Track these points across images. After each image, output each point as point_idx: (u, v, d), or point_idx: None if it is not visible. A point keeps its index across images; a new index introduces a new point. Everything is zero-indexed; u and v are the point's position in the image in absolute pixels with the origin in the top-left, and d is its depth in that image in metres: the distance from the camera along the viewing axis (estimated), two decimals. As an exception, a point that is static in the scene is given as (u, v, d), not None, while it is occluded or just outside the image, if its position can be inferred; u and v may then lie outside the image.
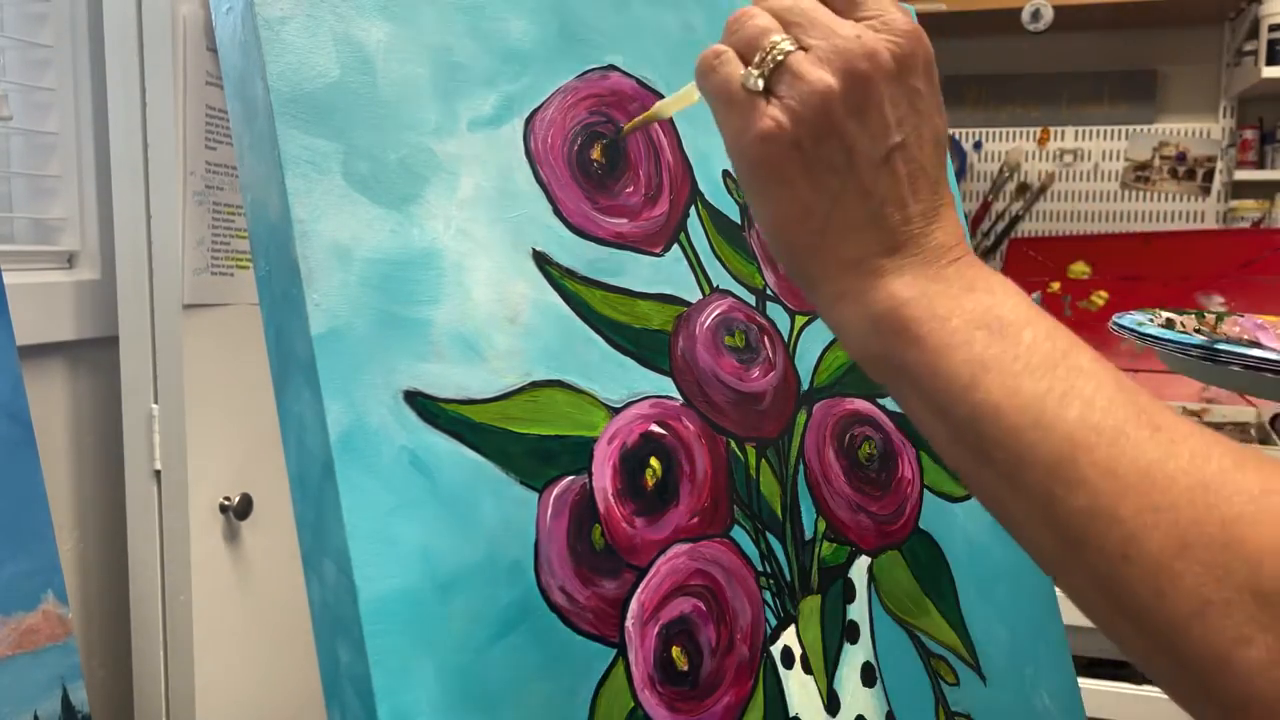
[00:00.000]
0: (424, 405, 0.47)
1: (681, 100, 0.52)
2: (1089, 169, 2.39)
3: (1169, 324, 0.79)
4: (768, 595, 0.57)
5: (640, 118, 0.57)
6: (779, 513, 0.59)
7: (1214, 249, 2.09)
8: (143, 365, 1.12)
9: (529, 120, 0.55)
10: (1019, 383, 0.37)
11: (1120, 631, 0.36)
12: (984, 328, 0.39)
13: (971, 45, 2.40)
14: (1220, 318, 0.81)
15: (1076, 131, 2.39)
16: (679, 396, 0.56)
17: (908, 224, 0.41)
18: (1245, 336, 0.78)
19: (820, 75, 0.41)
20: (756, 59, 0.42)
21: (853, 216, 0.41)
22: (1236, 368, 0.66)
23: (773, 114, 0.41)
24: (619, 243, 0.56)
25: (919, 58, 0.43)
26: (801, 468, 0.61)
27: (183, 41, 1.07)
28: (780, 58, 0.41)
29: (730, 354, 0.59)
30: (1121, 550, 0.35)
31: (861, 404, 0.66)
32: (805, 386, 0.63)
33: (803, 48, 0.42)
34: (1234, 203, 2.29)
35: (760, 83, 0.42)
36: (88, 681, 0.99)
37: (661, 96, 0.61)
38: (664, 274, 0.58)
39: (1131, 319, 0.77)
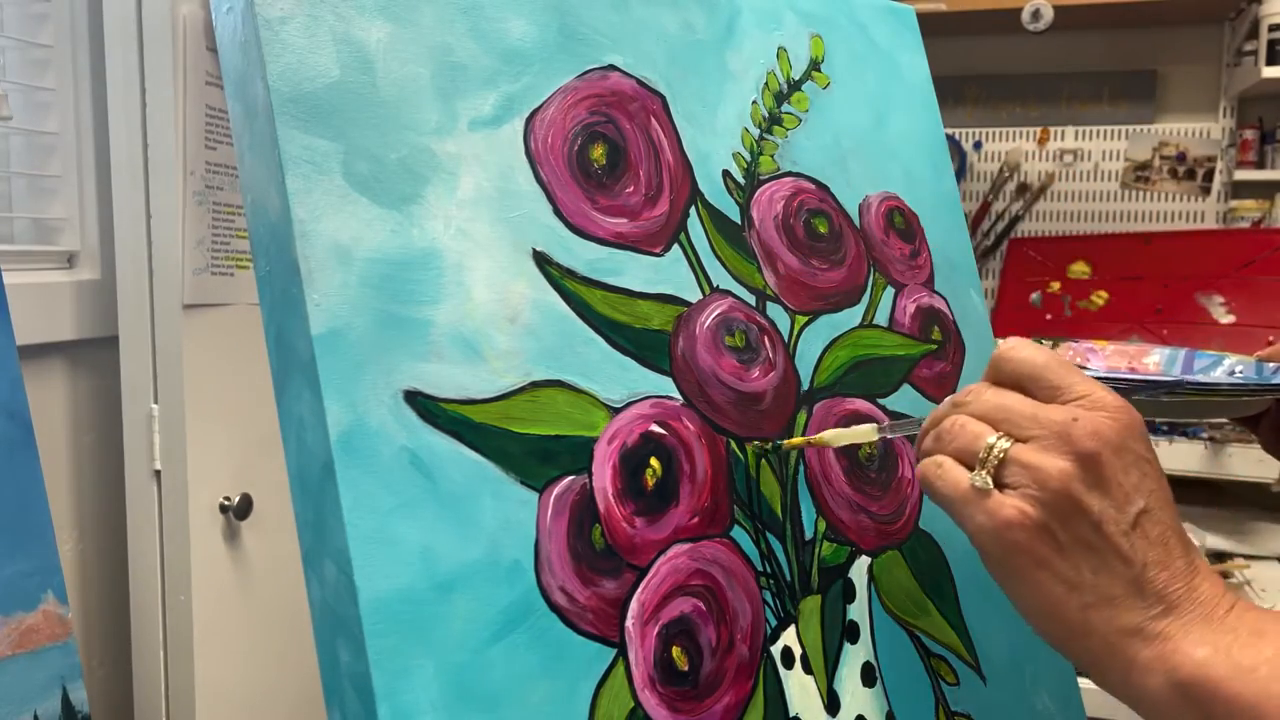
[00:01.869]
0: (424, 405, 0.47)
1: (857, 436, 0.56)
2: (1089, 169, 2.39)
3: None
4: (768, 595, 0.57)
5: (804, 439, 0.58)
6: (779, 513, 0.59)
7: (1214, 249, 2.09)
8: (143, 365, 1.12)
9: (529, 120, 0.55)
10: None
11: None
12: None
13: (971, 45, 2.40)
14: (1056, 343, 0.82)
15: (1076, 131, 2.39)
16: (679, 396, 0.56)
17: (1174, 582, 0.43)
18: (1077, 358, 0.79)
19: (1053, 460, 0.43)
20: (982, 456, 0.45)
21: (1117, 586, 0.43)
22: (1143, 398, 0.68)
23: (1013, 504, 0.44)
24: (619, 243, 0.56)
25: (1135, 427, 0.45)
26: (802, 468, 0.61)
27: (183, 41, 1.07)
28: (1001, 455, 0.45)
29: (730, 354, 0.59)
30: None
31: (861, 404, 0.66)
32: (805, 386, 0.63)
33: (1020, 440, 0.45)
34: (1234, 203, 2.29)
35: (989, 481, 0.45)
36: (88, 681, 0.99)
37: (661, 96, 0.61)
38: (664, 274, 0.58)
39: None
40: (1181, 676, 0.41)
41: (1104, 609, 0.43)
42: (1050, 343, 0.83)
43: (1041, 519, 0.43)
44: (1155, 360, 0.83)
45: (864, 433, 0.56)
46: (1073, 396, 0.45)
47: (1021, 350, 0.48)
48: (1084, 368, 0.74)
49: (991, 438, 0.45)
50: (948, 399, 0.50)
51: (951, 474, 0.46)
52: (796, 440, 0.59)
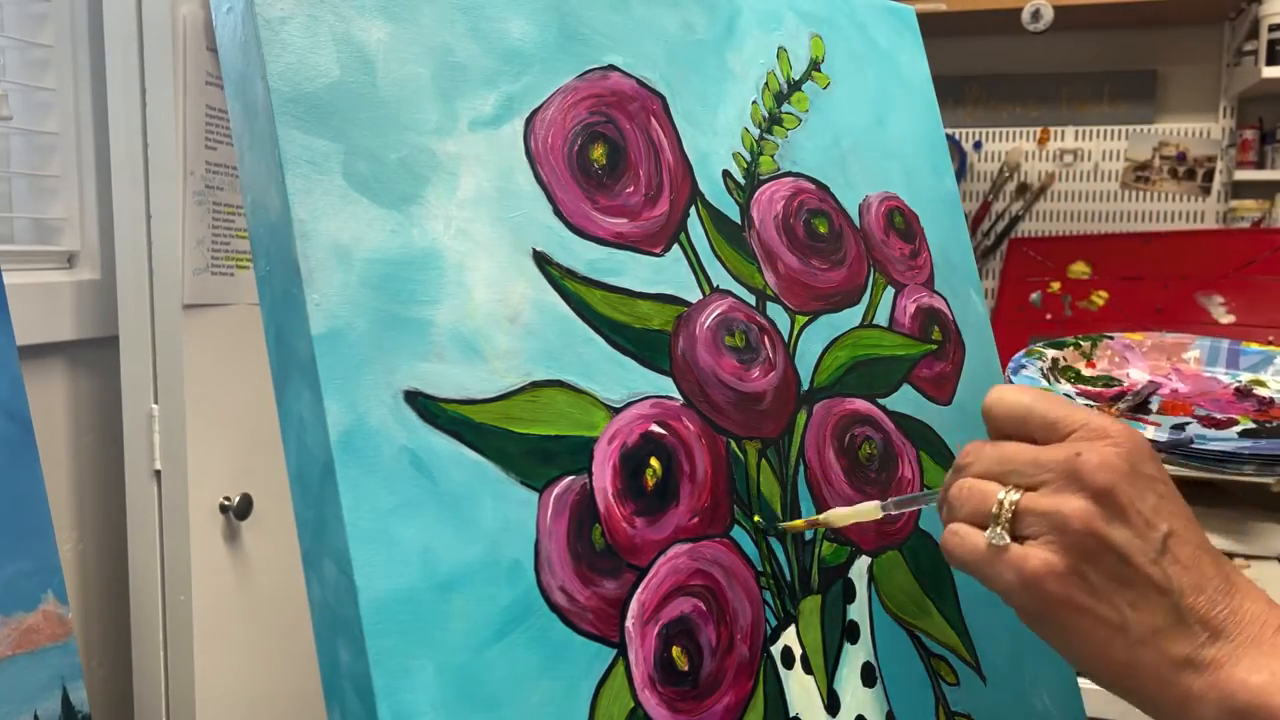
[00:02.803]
0: (424, 405, 0.47)
1: (861, 516, 0.55)
2: (1089, 169, 2.39)
3: (1054, 364, 0.78)
4: (768, 595, 0.57)
5: (806, 520, 0.58)
6: (779, 512, 0.59)
7: (1214, 249, 2.08)
8: (143, 365, 1.12)
9: (529, 120, 0.55)
10: None
11: None
12: None
13: (971, 45, 2.40)
14: (1095, 343, 0.79)
15: (1076, 131, 2.39)
16: (679, 396, 0.56)
17: (1214, 605, 0.42)
18: (1115, 358, 0.77)
19: (1067, 501, 0.42)
20: (994, 512, 0.44)
21: (1159, 617, 0.42)
22: None
23: (1037, 555, 0.42)
24: (619, 243, 0.56)
25: (1142, 449, 0.44)
26: (802, 468, 0.61)
27: (183, 41, 1.07)
28: (1013, 508, 0.43)
29: (730, 354, 0.59)
30: None
31: (861, 404, 0.66)
32: (805, 386, 0.63)
33: (1029, 489, 0.43)
34: (1234, 203, 2.29)
35: (1005, 537, 0.43)
36: (88, 681, 0.99)
37: (661, 96, 0.61)
38: (664, 274, 0.58)
39: (1019, 366, 0.76)
40: (1238, 704, 0.40)
41: (1150, 644, 0.42)
42: (1089, 341, 0.81)
43: (1069, 564, 0.42)
44: (1195, 355, 0.80)
45: (868, 511, 0.56)
46: (1070, 430, 0.44)
47: (1006, 396, 0.46)
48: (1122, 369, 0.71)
49: (1000, 493, 0.44)
50: (952, 467, 0.49)
51: (969, 539, 0.45)
52: (798, 523, 0.58)
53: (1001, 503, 0.44)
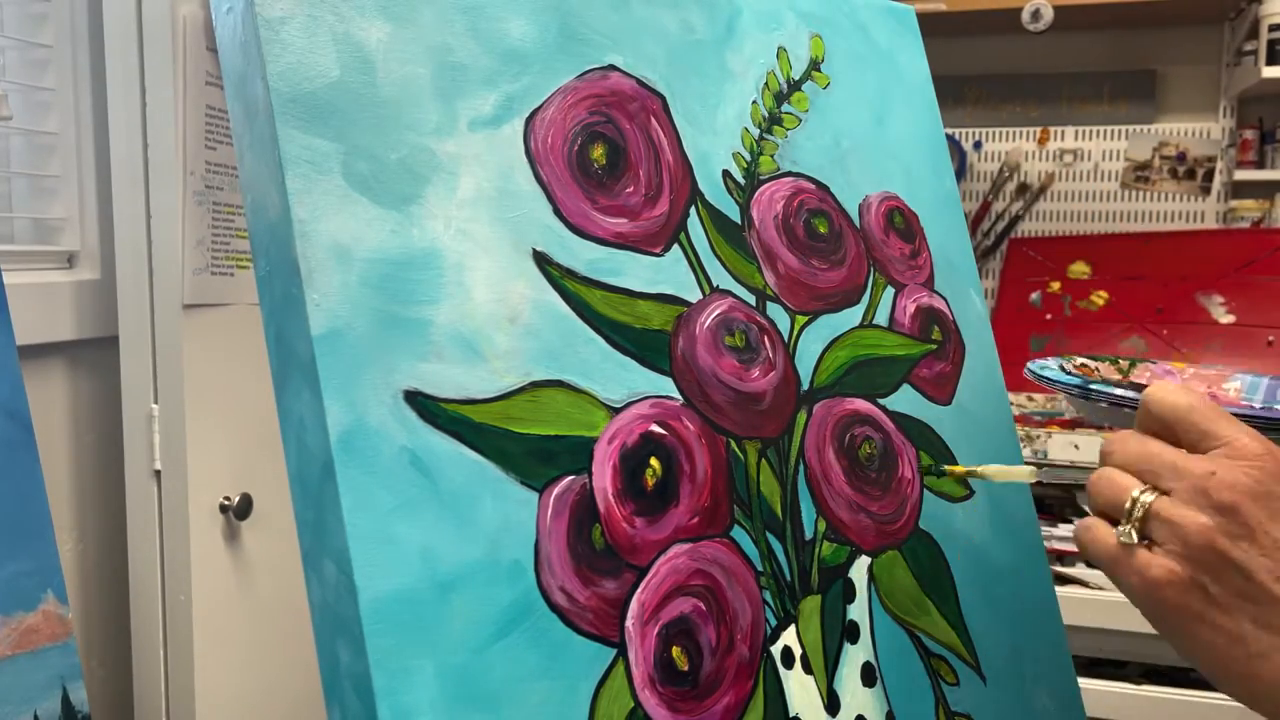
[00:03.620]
0: (424, 405, 0.47)
1: (1015, 476, 0.59)
2: (1089, 169, 2.39)
3: (1083, 369, 0.78)
4: (768, 595, 0.57)
5: (965, 469, 0.63)
6: (779, 513, 0.59)
7: (1214, 249, 2.09)
8: (143, 365, 1.12)
9: (529, 120, 0.55)
10: None
11: None
12: None
13: (971, 45, 2.40)
14: (1133, 364, 0.80)
15: (1076, 131, 2.39)
16: (679, 396, 0.56)
17: None
18: (1153, 380, 0.77)
19: (1192, 516, 0.44)
20: (1127, 506, 0.45)
21: (1242, 607, 0.43)
22: (1104, 404, 0.68)
23: (1160, 563, 0.44)
24: (619, 243, 0.56)
25: (1262, 462, 0.44)
26: (802, 467, 0.61)
27: (183, 41, 1.07)
28: (1144, 510, 0.45)
29: (730, 354, 0.59)
30: None
31: (861, 404, 0.66)
32: (805, 386, 0.63)
33: (1164, 492, 0.45)
34: (1234, 203, 2.29)
35: (1135, 536, 0.45)
36: (88, 681, 0.99)
37: (661, 96, 0.61)
38: (664, 274, 0.58)
39: (1040, 364, 0.77)
40: None
41: (1271, 659, 0.43)
42: (1128, 363, 0.81)
43: (1190, 575, 0.43)
44: (1236, 386, 0.80)
45: (1022, 473, 0.58)
46: (1216, 444, 0.45)
47: (1167, 396, 0.47)
48: (1133, 385, 0.72)
49: (1136, 490, 0.46)
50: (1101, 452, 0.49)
51: (1100, 533, 0.47)
52: (958, 469, 0.64)
53: (1135, 501, 0.45)
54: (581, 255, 0.55)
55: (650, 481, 0.54)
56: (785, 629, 0.58)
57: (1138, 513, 0.45)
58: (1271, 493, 0.44)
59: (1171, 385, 0.48)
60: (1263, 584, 0.43)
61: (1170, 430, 0.47)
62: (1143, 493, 0.45)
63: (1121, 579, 0.46)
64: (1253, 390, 0.80)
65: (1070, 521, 1.35)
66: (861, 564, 0.62)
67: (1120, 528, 0.46)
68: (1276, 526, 0.43)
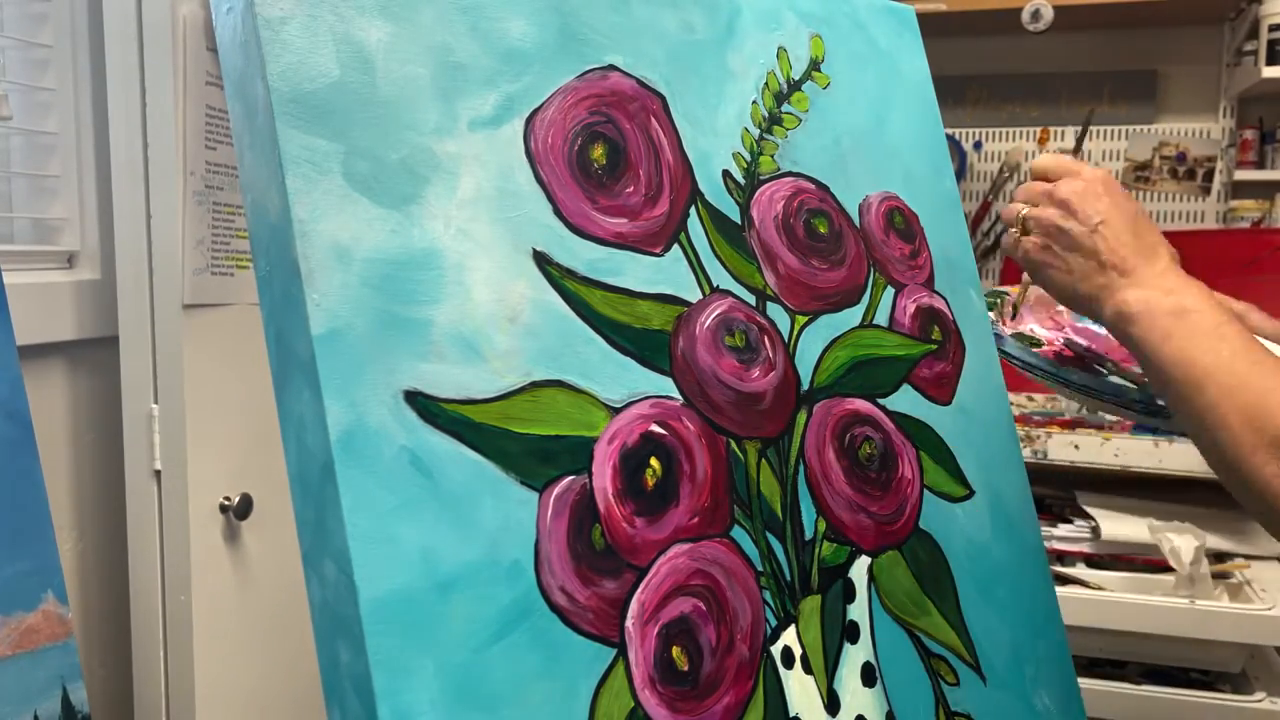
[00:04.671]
0: (424, 405, 0.47)
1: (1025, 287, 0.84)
2: (1089, 169, 2.39)
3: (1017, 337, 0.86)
4: (768, 595, 0.57)
5: (1022, 286, 0.84)
6: (779, 513, 0.59)
7: (1214, 249, 2.08)
8: (143, 365, 1.12)
9: (529, 120, 0.55)
10: (1186, 343, 0.64)
11: (1222, 474, 0.63)
12: (1171, 314, 0.66)
13: (971, 45, 2.40)
14: (999, 299, 0.89)
15: (1077, 131, 2.39)
16: (679, 396, 0.56)
17: (1125, 261, 0.68)
18: (1011, 312, 0.88)
19: (1044, 211, 0.71)
20: (1017, 225, 0.73)
21: (1088, 266, 0.70)
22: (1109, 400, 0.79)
23: (1028, 240, 0.72)
24: (619, 243, 0.56)
25: (1100, 180, 0.71)
26: (802, 467, 0.61)
27: (183, 41, 1.07)
28: (1022, 218, 0.73)
29: (730, 354, 0.59)
30: (1216, 425, 0.62)
31: (861, 404, 0.66)
32: (805, 386, 0.63)
33: (1034, 205, 0.73)
34: (1234, 203, 2.29)
35: (1017, 233, 0.73)
36: (88, 681, 0.99)
37: (661, 96, 0.61)
38: (664, 274, 0.58)
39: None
40: (1115, 309, 0.67)
41: (1086, 280, 0.69)
42: (993, 297, 0.88)
43: (1043, 242, 0.71)
44: (1066, 308, 0.90)
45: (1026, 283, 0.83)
46: (1063, 174, 0.72)
47: (1041, 159, 0.74)
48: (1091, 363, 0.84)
49: (1021, 209, 0.73)
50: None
51: (1007, 239, 0.75)
52: (1023, 286, 0.85)
53: (1018, 212, 0.73)
54: (581, 255, 0.55)
55: (650, 481, 0.53)
56: (785, 629, 0.58)
57: (1018, 219, 0.73)
58: (1090, 188, 0.70)
59: (1048, 154, 0.70)
60: (1078, 238, 0.69)
61: (1044, 175, 0.73)
62: (1025, 208, 0.73)
63: (1013, 251, 0.73)
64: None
65: (1071, 521, 1.36)
66: (861, 564, 0.62)
67: (1011, 230, 0.74)
68: (1089, 206, 0.69)
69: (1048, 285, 0.72)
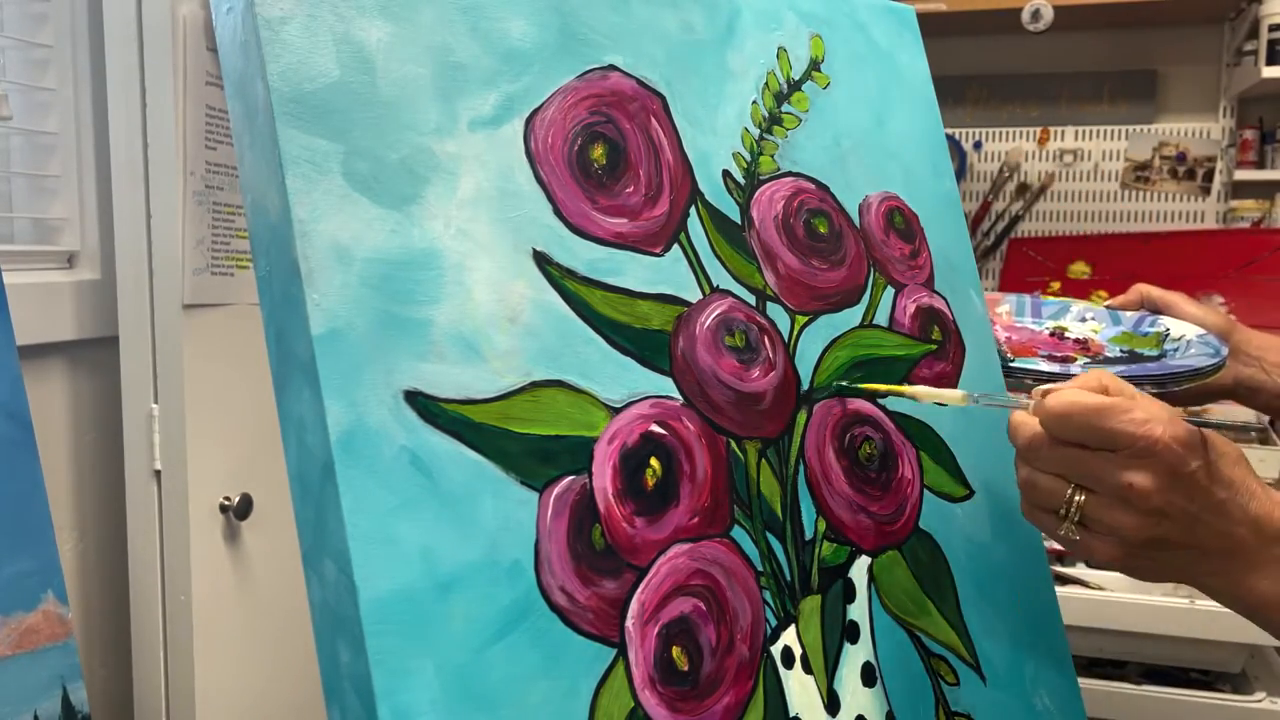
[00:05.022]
0: (424, 405, 0.47)
1: (946, 398, 0.63)
2: (1089, 169, 2.39)
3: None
4: (768, 595, 0.57)
5: (892, 387, 0.64)
6: (779, 513, 0.59)
7: (1214, 249, 2.09)
8: (143, 365, 1.12)
9: (529, 120, 0.55)
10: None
11: None
12: None
13: (971, 45, 2.40)
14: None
15: (1076, 131, 2.39)
16: (679, 396, 0.56)
17: (1219, 538, 0.55)
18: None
19: (1123, 518, 0.54)
20: (1061, 513, 0.55)
21: (1179, 558, 0.56)
22: (1030, 381, 0.74)
23: (1104, 549, 0.56)
24: (619, 243, 0.56)
25: (1176, 454, 0.53)
26: (802, 467, 0.61)
27: (183, 41, 1.07)
28: (1078, 513, 0.55)
29: (730, 354, 0.59)
30: None
31: (862, 404, 0.66)
32: (805, 386, 0.63)
33: (1090, 490, 0.54)
34: (1234, 203, 2.29)
35: (1076, 534, 0.56)
36: (88, 681, 0.99)
37: (661, 96, 0.61)
38: (664, 274, 0.58)
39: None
40: (1244, 600, 0.57)
41: (1184, 569, 0.57)
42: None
43: (1128, 554, 0.55)
44: (1006, 309, 0.91)
45: (954, 397, 0.61)
46: (1121, 445, 0.53)
47: (1060, 407, 0.54)
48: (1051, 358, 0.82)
49: (1067, 493, 0.55)
50: (1016, 447, 0.57)
51: (1046, 524, 0.57)
52: (878, 386, 0.64)
53: (1070, 503, 0.55)
54: (581, 255, 0.55)
55: (650, 481, 0.54)
56: (785, 629, 0.58)
57: (1074, 514, 0.55)
58: (1177, 474, 0.53)
59: (1065, 391, 0.54)
60: (1177, 545, 0.55)
61: (1078, 435, 0.54)
62: (1072, 495, 0.55)
63: (1076, 554, 0.58)
64: (1019, 307, 0.92)
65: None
66: (861, 564, 0.62)
67: (1063, 527, 0.56)
68: (1186, 500, 0.54)
69: (1132, 574, 0.60)
